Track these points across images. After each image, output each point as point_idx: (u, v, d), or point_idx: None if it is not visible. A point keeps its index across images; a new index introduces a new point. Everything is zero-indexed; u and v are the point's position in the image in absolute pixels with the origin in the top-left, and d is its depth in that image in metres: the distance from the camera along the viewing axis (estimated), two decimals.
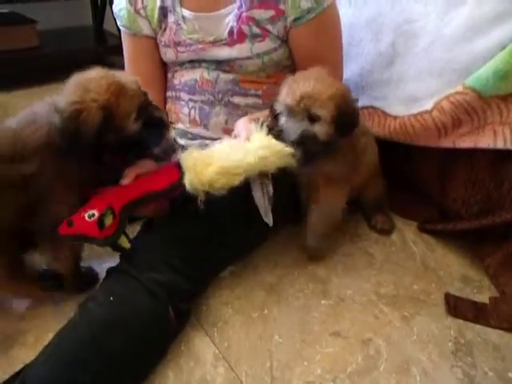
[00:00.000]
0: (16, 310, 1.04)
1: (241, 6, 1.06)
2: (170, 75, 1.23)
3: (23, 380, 0.76)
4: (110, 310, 0.83)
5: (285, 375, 0.90)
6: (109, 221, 0.89)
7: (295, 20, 1.05)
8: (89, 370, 0.75)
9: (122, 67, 2.36)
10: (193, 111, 1.16)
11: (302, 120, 0.97)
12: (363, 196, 1.31)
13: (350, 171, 1.12)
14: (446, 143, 1.16)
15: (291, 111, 0.97)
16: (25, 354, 0.92)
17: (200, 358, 0.92)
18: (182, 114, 1.18)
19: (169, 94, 1.24)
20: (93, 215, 0.89)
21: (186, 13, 1.11)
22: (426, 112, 1.16)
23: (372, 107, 1.33)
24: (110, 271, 0.95)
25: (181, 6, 1.12)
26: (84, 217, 0.89)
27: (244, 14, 1.05)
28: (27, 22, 2.17)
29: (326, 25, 1.09)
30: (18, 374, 0.85)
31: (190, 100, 1.17)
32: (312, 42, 1.09)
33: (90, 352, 0.77)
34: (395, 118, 1.25)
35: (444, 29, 1.13)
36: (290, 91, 0.97)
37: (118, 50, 2.31)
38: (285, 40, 1.09)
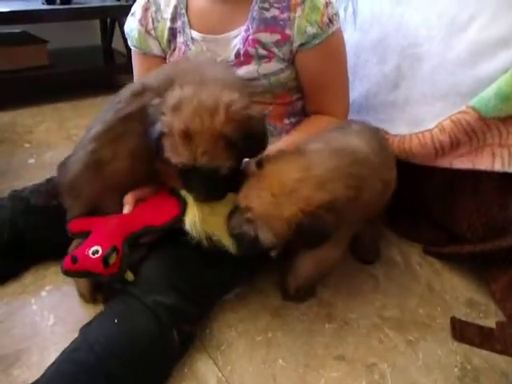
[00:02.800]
0: (18, 327, 1.03)
1: (248, 29, 1.08)
2: None
3: None
4: (114, 331, 0.83)
5: None
6: (113, 259, 0.89)
7: (301, 45, 1.07)
8: None
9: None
10: None
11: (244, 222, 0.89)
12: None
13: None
14: (443, 163, 1.16)
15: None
16: (27, 374, 0.92)
17: (203, 382, 0.92)
18: None
19: None
20: (97, 252, 0.89)
21: (195, 34, 1.14)
22: (427, 130, 1.17)
23: None
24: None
25: (190, 27, 1.14)
26: (88, 253, 0.90)
27: (250, 37, 1.08)
28: (38, 41, 2.22)
29: (331, 50, 1.11)
30: None
31: None
32: (318, 66, 1.11)
33: (92, 374, 0.77)
34: (395, 136, 1.25)
35: (448, 53, 1.14)
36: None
37: (127, 68, 2.37)
38: (291, 62, 1.11)
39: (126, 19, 1.25)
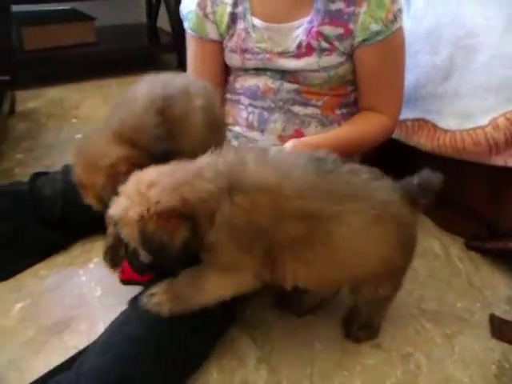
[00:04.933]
0: (67, 296, 1.09)
1: (312, 20, 1.07)
2: (231, 78, 1.25)
3: (78, 370, 0.80)
4: None
5: (325, 383, 0.92)
6: None
7: (363, 41, 1.06)
8: (140, 366, 0.79)
9: (174, 65, 2.45)
10: (251, 116, 1.18)
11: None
12: None
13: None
14: (497, 161, 1.15)
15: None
16: (77, 340, 0.97)
17: (243, 360, 0.95)
18: (239, 118, 1.21)
19: (228, 96, 1.26)
20: None
21: (257, 22, 1.12)
22: (480, 128, 1.14)
23: (423, 120, 1.32)
24: None
25: (252, 14, 1.13)
26: None
27: (314, 29, 1.07)
28: (86, 18, 2.26)
29: (392, 48, 1.10)
30: (71, 359, 0.90)
31: (250, 105, 1.19)
32: (376, 63, 1.10)
33: (141, 349, 0.81)
34: (446, 131, 1.24)
35: (505, 45, 1.11)
36: None
37: (171, 47, 2.40)
38: (351, 56, 1.10)
39: None
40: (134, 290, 0.95)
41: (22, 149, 1.66)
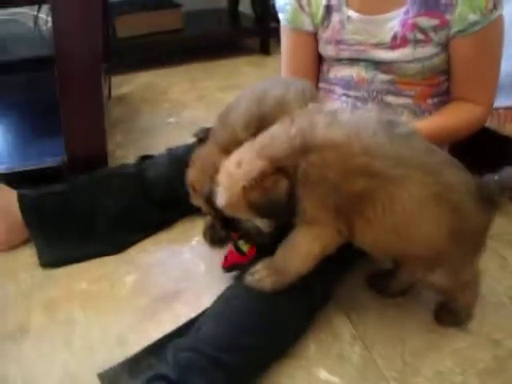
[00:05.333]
0: (174, 270, 1.21)
1: (407, 11, 1.08)
2: (325, 68, 1.28)
3: (195, 337, 0.90)
4: None
5: (416, 362, 0.96)
6: (245, 247, 1.01)
7: (459, 31, 1.05)
8: (251, 336, 0.88)
9: (257, 50, 2.49)
10: (345, 106, 1.22)
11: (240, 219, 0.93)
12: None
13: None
14: None
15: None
16: (185, 310, 1.07)
17: (339, 336, 1.02)
18: (346, 108, 1.23)
19: (321, 85, 1.30)
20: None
21: (352, 13, 1.15)
22: None
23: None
24: None
25: (347, 6, 1.15)
26: (232, 249, 1.05)
27: (410, 21, 1.07)
28: (173, 6, 2.36)
29: (489, 37, 1.08)
30: (182, 328, 1.00)
31: (344, 95, 1.22)
32: (472, 53, 1.08)
33: (251, 321, 0.90)
34: None
35: None
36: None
37: (253, 32, 2.45)
38: (446, 45, 1.10)
39: None
40: None
41: (120, 131, 1.79)
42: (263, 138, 0.86)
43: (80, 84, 1.18)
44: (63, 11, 1.08)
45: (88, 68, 1.18)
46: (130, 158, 1.48)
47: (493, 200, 0.86)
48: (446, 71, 1.16)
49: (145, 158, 1.37)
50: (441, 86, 1.18)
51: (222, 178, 0.86)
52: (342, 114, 0.87)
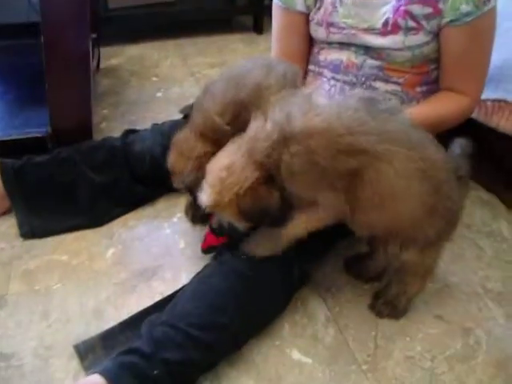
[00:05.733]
0: (154, 246, 1.21)
1: None
2: (315, 50, 1.28)
3: (170, 312, 0.90)
4: (248, 264, 0.95)
5: (387, 346, 0.99)
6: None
7: (451, 21, 1.04)
8: (226, 315, 0.88)
9: (250, 27, 2.45)
10: (333, 89, 1.21)
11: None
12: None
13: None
14: None
15: None
16: (163, 287, 1.08)
17: (313, 317, 1.03)
18: (321, 90, 1.23)
19: (311, 67, 1.29)
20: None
21: None
22: None
23: (505, 101, 1.30)
24: None
25: None
26: (209, 231, 1.06)
27: (402, 8, 1.07)
28: None
29: (480, 29, 1.08)
30: (159, 303, 1.01)
31: (333, 78, 1.22)
32: (463, 44, 1.08)
33: (227, 300, 0.90)
34: None
35: None
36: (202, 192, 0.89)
37: (246, 9, 2.41)
38: (437, 34, 1.10)
39: None
40: None
41: (107, 104, 1.77)
42: (247, 140, 0.86)
43: (66, 53, 1.16)
44: None
45: (75, 37, 1.15)
46: (116, 132, 1.46)
47: (466, 180, 0.90)
48: (436, 60, 1.15)
49: (130, 132, 1.35)
50: (430, 74, 1.18)
51: (212, 181, 0.86)
52: (318, 98, 0.87)
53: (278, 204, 0.83)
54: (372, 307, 1.06)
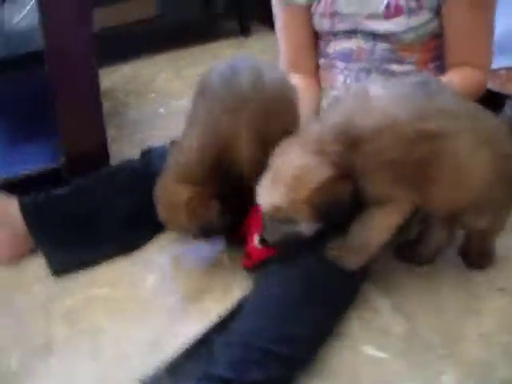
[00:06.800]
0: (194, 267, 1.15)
1: None
2: (322, 43, 1.26)
3: (241, 330, 0.86)
4: (310, 267, 0.91)
5: (458, 326, 0.95)
6: None
7: None
8: (299, 324, 0.84)
9: (236, 32, 2.42)
10: (348, 79, 1.19)
11: (281, 223, 0.88)
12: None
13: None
14: None
15: (268, 216, 0.89)
16: (215, 306, 1.02)
17: (379, 311, 0.99)
18: (337, 82, 1.22)
19: (321, 61, 1.27)
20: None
21: None
22: None
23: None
24: None
25: None
26: (255, 245, 0.98)
27: None
28: None
29: (481, 1, 1.08)
30: (219, 324, 0.95)
31: (346, 68, 1.20)
32: (464, 16, 1.07)
33: (296, 308, 0.86)
34: None
35: None
36: (262, 196, 0.88)
37: (229, 14, 2.38)
38: (437, 11, 1.09)
39: None
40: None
41: (113, 125, 1.70)
42: (311, 142, 0.85)
43: (74, 78, 1.11)
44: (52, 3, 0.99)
45: (80, 60, 1.10)
46: (127, 153, 1.42)
47: None
48: (441, 35, 1.14)
49: (147, 152, 1.30)
50: (439, 49, 1.17)
51: (285, 180, 0.83)
52: (374, 91, 0.87)
53: (349, 200, 0.83)
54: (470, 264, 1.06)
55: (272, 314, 0.86)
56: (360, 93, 0.89)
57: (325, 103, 1.24)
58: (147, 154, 1.29)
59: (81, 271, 1.14)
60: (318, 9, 1.18)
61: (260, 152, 0.95)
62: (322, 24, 1.19)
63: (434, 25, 1.11)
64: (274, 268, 0.94)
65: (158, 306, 1.05)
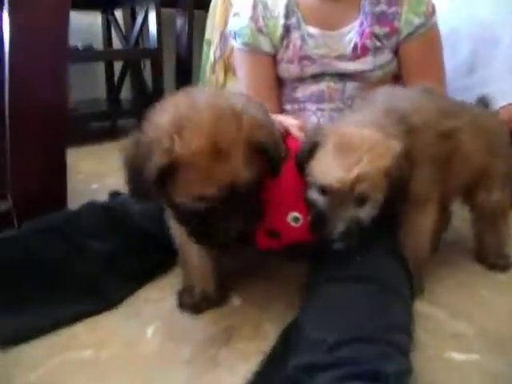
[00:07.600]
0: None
1: (362, 23, 1.15)
2: (288, 89, 1.27)
3: (321, 350, 0.68)
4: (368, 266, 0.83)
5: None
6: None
7: (408, 35, 1.15)
8: (366, 328, 0.70)
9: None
10: (322, 119, 1.21)
11: (348, 206, 0.77)
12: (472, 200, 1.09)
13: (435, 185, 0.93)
14: None
15: (337, 196, 0.77)
16: (247, 345, 0.82)
17: (439, 312, 0.92)
18: (309, 124, 1.19)
19: (288, 107, 1.28)
20: (297, 219, 0.81)
21: (311, 30, 1.18)
22: None
23: None
24: None
25: (305, 23, 1.18)
26: (289, 223, 0.82)
27: (367, 30, 1.15)
28: None
29: (433, 39, 1.20)
30: (271, 358, 0.76)
31: (318, 109, 1.22)
32: (420, 55, 1.18)
33: (362, 313, 0.74)
34: None
35: None
36: (334, 167, 0.77)
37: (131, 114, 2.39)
38: (396, 52, 1.19)
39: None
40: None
41: None
42: (370, 122, 0.83)
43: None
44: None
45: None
46: None
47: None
48: (400, 76, 1.23)
49: (116, 194, 1.11)
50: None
51: (360, 152, 0.76)
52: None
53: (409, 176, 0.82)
54: (491, 267, 1.08)
55: (336, 326, 0.72)
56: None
57: None
58: (116, 195, 1.11)
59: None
60: (285, 55, 1.20)
61: None
62: (290, 70, 1.21)
63: (393, 65, 1.20)
64: (321, 278, 0.84)
65: (174, 359, 0.80)
